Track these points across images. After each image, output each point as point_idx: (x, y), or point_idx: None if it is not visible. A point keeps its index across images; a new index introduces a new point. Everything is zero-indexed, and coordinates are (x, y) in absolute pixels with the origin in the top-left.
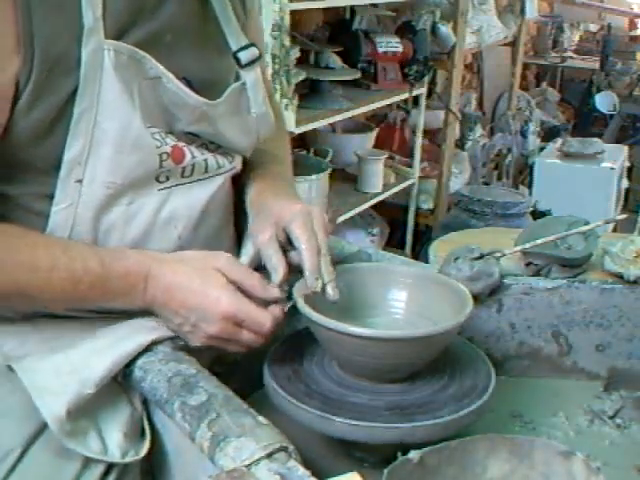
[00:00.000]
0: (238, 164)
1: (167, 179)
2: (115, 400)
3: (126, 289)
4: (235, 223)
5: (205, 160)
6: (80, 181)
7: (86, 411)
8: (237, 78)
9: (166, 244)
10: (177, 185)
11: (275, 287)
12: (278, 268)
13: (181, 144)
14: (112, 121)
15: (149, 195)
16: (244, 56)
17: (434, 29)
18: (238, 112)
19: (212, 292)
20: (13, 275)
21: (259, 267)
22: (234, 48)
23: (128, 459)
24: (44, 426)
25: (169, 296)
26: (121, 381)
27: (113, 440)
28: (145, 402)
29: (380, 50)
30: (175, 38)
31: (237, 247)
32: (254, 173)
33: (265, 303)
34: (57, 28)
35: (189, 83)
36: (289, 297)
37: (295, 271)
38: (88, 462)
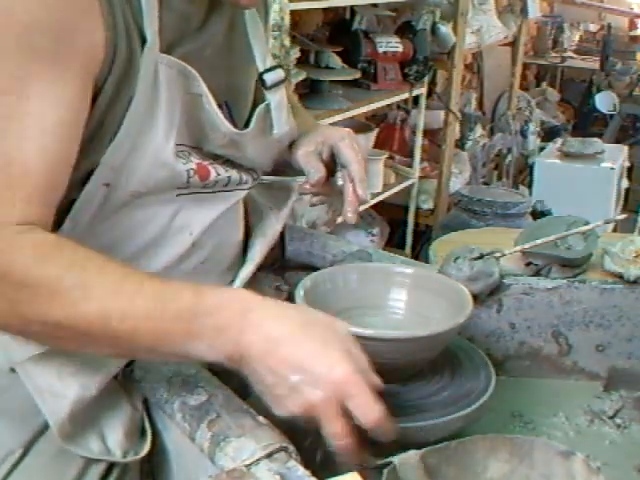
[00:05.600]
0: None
1: (187, 188)
2: (116, 400)
3: (218, 327)
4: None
5: (229, 177)
6: (107, 185)
7: (87, 412)
8: (262, 99)
9: (180, 249)
10: (196, 193)
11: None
12: (318, 170)
13: (206, 162)
14: (155, 135)
15: (168, 201)
16: (269, 78)
17: (434, 29)
18: (263, 134)
19: (333, 354)
20: (101, 301)
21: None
22: (260, 69)
23: (129, 458)
24: (45, 427)
25: (272, 346)
26: (121, 380)
27: (114, 440)
28: (145, 402)
29: (380, 50)
30: (213, 56)
31: (243, 253)
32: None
33: None
34: (128, 34)
35: (229, 109)
36: (290, 297)
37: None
38: (89, 462)
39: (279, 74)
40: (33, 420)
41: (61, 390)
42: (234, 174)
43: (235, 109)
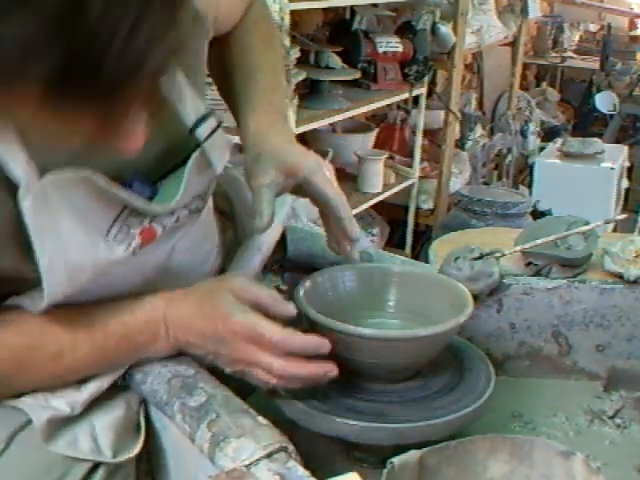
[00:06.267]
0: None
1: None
2: (110, 400)
3: (150, 338)
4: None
5: (177, 218)
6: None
7: (79, 413)
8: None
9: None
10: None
11: (291, 304)
12: (266, 213)
13: (147, 223)
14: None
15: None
16: (203, 131)
17: (434, 29)
18: (201, 172)
19: (219, 312)
20: (41, 374)
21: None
22: (190, 123)
23: (119, 458)
24: (28, 420)
25: (186, 331)
26: (121, 383)
27: (105, 440)
28: (144, 402)
29: (380, 50)
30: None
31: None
32: (242, 103)
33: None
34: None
35: (147, 180)
36: (290, 296)
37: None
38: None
39: (212, 122)
40: (15, 414)
41: (45, 403)
42: (183, 212)
43: (166, 163)
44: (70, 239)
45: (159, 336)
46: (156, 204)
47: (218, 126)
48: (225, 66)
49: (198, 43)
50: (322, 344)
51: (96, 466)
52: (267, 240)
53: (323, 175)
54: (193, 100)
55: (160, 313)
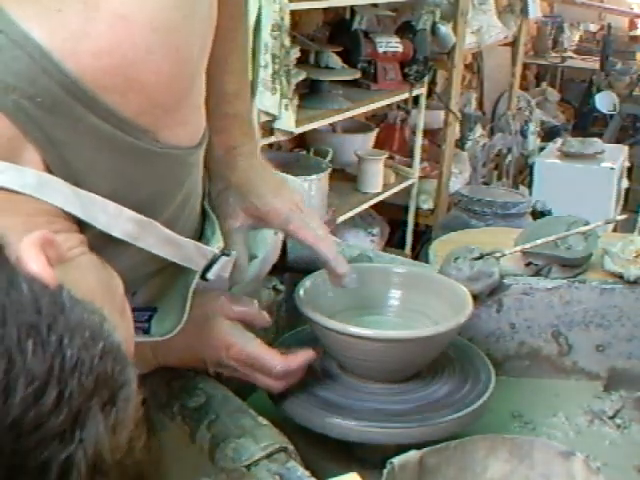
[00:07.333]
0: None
1: None
2: None
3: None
4: None
5: None
6: None
7: None
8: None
9: None
10: None
11: (265, 314)
12: (243, 258)
13: None
14: None
15: None
16: (213, 273)
17: (434, 29)
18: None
19: (223, 342)
20: None
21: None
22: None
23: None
24: None
25: (181, 358)
26: None
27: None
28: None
29: (380, 50)
30: None
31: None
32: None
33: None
34: None
35: None
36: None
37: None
38: None
39: (222, 262)
40: None
41: None
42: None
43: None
44: None
45: (145, 359)
46: (157, 335)
47: (224, 254)
48: None
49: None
50: (310, 357)
51: None
52: (269, 261)
53: (298, 221)
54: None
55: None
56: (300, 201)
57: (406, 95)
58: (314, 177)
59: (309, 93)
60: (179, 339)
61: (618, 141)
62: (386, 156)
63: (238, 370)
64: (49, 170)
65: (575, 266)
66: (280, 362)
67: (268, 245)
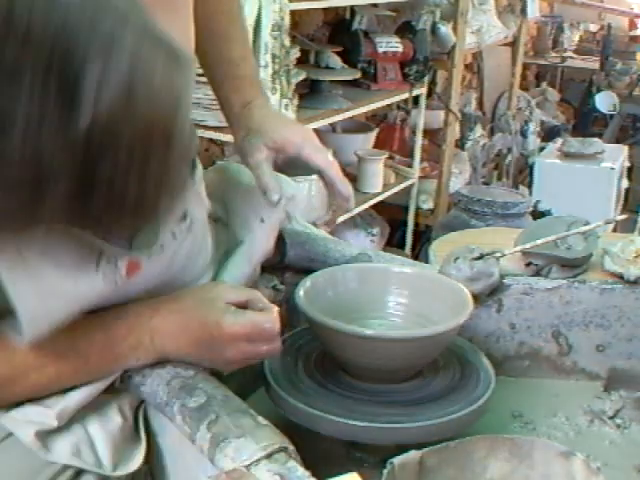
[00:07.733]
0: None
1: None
2: (102, 410)
3: (133, 346)
4: None
5: (162, 245)
6: None
7: (74, 422)
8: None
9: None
10: None
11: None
12: (275, 190)
13: (134, 257)
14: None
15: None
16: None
17: (434, 29)
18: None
19: (211, 319)
20: (24, 385)
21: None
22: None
23: (119, 472)
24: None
25: (177, 341)
26: (118, 385)
27: (103, 452)
28: (136, 409)
29: (380, 50)
30: None
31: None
32: (217, 76)
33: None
34: None
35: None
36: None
37: None
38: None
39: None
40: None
41: (28, 417)
42: (167, 236)
43: None
44: (44, 274)
45: (143, 345)
46: (135, 251)
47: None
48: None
49: None
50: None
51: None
52: (257, 250)
53: (311, 147)
54: None
55: (145, 321)
56: (311, 133)
57: (406, 95)
58: (314, 177)
59: (309, 93)
60: (174, 318)
61: (618, 141)
62: (386, 156)
63: (243, 354)
64: None
65: (575, 266)
66: (271, 320)
67: (253, 232)
